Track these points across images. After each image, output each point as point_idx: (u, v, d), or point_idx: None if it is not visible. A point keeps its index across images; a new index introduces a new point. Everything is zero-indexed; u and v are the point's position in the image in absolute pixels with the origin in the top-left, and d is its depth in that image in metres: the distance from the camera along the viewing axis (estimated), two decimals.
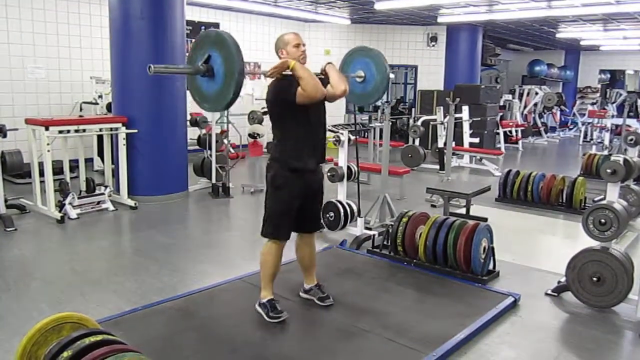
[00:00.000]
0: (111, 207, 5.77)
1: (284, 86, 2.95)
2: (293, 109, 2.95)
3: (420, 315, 3.33)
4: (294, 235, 3.27)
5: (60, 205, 5.43)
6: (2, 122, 5.30)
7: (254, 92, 9.80)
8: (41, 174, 5.46)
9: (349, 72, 3.48)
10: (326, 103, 3.16)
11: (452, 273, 3.94)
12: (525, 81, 16.67)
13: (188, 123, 6.85)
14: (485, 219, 5.12)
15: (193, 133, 7.44)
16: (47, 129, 5.32)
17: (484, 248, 3.94)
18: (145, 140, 6.04)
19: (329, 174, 4.85)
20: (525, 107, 14.36)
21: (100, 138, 7.24)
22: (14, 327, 3.06)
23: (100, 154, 7.29)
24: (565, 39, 13.59)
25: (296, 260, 3.45)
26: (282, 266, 3.59)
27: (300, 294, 3.47)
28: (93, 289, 3.69)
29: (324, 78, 3.11)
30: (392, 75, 3.97)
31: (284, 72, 2.94)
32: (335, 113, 11.61)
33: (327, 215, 4.74)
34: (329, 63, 3.15)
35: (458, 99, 8.31)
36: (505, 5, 9.05)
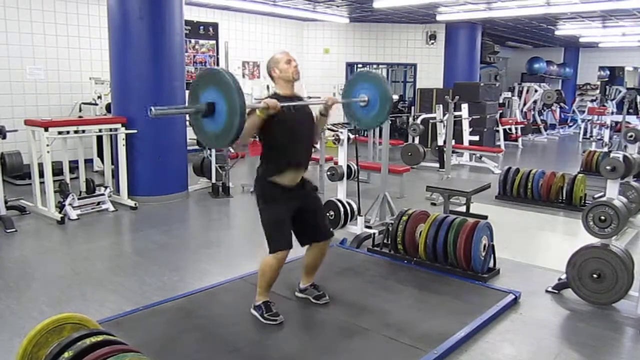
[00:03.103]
0: (111, 208, 5.77)
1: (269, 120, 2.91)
2: (272, 127, 2.92)
3: (420, 313, 3.33)
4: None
5: (61, 206, 5.43)
6: (2, 124, 5.29)
7: (253, 92, 9.82)
8: (41, 175, 5.46)
9: (352, 96, 3.50)
10: (312, 117, 3.21)
11: (452, 271, 3.95)
12: (524, 78, 16.66)
13: (187, 123, 6.85)
14: (486, 217, 5.15)
15: (193, 133, 7.43)
16: (46, 130, 5.32)
17: (484, 246, 3.94)
18: (145, 140, 6.04)
19: (328, 172, 4.85)
20: (524, 104, 14.35)
21: (99, 139, 7.24)
22: (14, 328, 3.07)
23: (100, 154, 7.29)
24: (564, 36, 13.58)
25: (297, 260, 3.45)
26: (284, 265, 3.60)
27: (296, 293, 3.47)
28: (94, 290, 3.70)
29: (323, 116, 3.28)
30: (395, 97, 3.98)
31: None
32: (335, 112, 11.57)
33: (328, 214, 4.74)
34: (333, 103, 3.29)
35: (457, 97, 8.31)
36: (504, 3, 9.04)
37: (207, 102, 2.56)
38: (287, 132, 2.98)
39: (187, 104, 2.71)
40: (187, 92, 6.83)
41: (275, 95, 3.05)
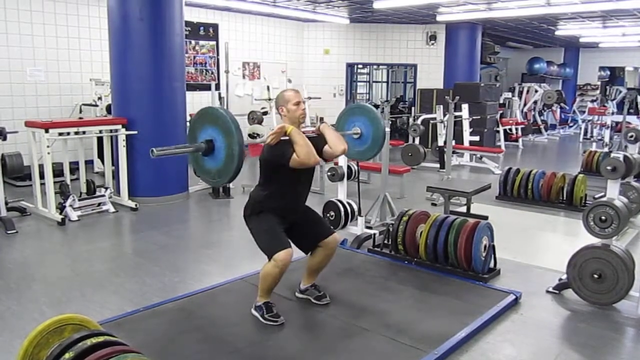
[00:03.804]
0: (112, 209, 5.77)
1: (279, 149, 2.96)
2: (285, 171, 3.00)
3: (421, 313, 3.33)
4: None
5: (61, 207, 5.43)
6: (2, 125, 5.30)
7: (254, 93, 9.82)
8: (41, 176, 5.47)
9: (345, 129, 3.52)
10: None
11: (453, 271, 3.94)
12: (524, 79, 16.66)
13: (188, 124, 6.86)
14: (486, 217, 5.14)
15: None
16: (47, 131, 5.32)
17: (485, 246, 3.94)
18: (145, 141, 6.03)
19: (329, 173, 4.85)
20: (525, 104, 14.35)
21: (100, 140, 7.24)
22: (15, 329, 3.07)
23: (101, 155, 7.29)
24: (565, 36, 13.58)
25: (298, 260, 3.45)
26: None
27: (297, 294, 3.47)
28: (94, 291, 3.70)
29: (317, 137, 3.19)
30: (387, 130, 4.04)
31: (281, 137, 2.96)
32: (335, 113, 11.60)
33: (328, 215, 4.74)
34: (322, 123, 3.27)
35: (458, 98, 8.31)
36: (504, 3, 9.04)
37: (206, 139, 2.65)
38: (295, 175, 3.04)
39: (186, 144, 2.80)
40: (186, 93, 6.83)
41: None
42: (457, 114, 9.10)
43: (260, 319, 3.13)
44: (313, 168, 3.19)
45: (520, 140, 12.41)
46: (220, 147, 2.60)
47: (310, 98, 9.38)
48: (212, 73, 10.19)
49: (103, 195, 5.81)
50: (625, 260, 3.38)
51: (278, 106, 3.17)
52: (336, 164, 4.91)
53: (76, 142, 6.51)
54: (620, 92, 16.83)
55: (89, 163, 7.69)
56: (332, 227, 3.39)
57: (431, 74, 12.53)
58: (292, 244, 3.08)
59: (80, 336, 2.15)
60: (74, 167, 6.52)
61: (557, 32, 12.87)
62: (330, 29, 12.14)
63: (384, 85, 16.15)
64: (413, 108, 12.11)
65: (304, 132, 3.08)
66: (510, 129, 12.28)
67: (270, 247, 3.00)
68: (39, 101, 7.85)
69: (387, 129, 3.86)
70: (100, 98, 7.90)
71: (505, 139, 11.67)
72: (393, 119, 12.41)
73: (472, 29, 12.17)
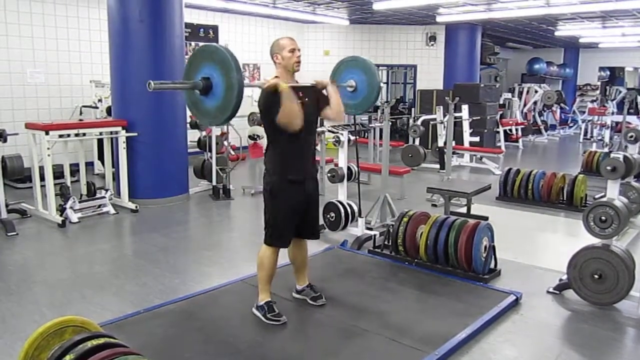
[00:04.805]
0: (112, 211, 5.78)
1: (273, 99, 2.89)
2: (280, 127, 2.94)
3: (421, 314, 3.34)
4: None
5: (61, 209, 5.43)
6: (3, 127, 5.31)
7: (253, 94, 9.81)
8: (42, 178, 5.47)
9: (340, 81, 3.48)
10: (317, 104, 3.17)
11: (453, 272, 3.94)
12: (524, 79, 16.67)
13: (188, 125, 6.86)
14: (486, 218, 5.14)
15: (193, 135, 7.45)
16: (47, 133, 5.32)
17: (485, 247, 3.94)
18: (146, 143, 6.05)
19: (329, 174, 4.85)
20: (525, 105, 14.36)
21: (100, 142, 7.24)
22: (16, 331, 3.07)
23: (101, 157, 7.29)
24: (564, 36, 13.58)
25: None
26: (283, 267, 3.61)
27: (294, 294, 3.48)
28: (95, 292, 3.70)
29: (315, 90, 3.13)
30: (382, 85, 4.00)
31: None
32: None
33: (328, 216, 4.74)
34: (333, 85, 3.19)
35: (457, 98, 8.30)
36: (504, 4, 9.05)
37: (203, 77, 2.59)
38: (293, 134, 2.97)
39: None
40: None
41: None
42: (457, 114, 9.11)
43: (263, 318, 3.13)
44: (315, 119, 3.16)
45: (520, 140, 12.42)
46: (218, 82, 2.53)
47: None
48: None
49: (103, 197, 5.81)
50: (626, 260, 3.38)
51: (273, 54, 3.07)
52: (336, 165, 4.91)
53: (76, 144, 6.51)
54: (620, 92, 16.82)
55: (89, 165, 7.69)
56: (319, 233, 3.41)
57: (431, 75, 12.54)
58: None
59: (80, 338, 2.15)
60: (75, 169, 6.52)
61: (556, 33, 12.88)
62: (330, 30, 12.15)
63: (384, 86, 16.16)
64: (413, 109, 12.12)
65: (302, 84, 3.04)
66: (510, 130, 12.28)
67: (278, 239, 3.11)
68: (39, 103, 7.85)
69: (382, 84, 3.82)
70: (100, 100, 7.91)
71: (505, 140, 11.67)
72: (393, 120, 12.42)
73: (471, 29, 12.19)
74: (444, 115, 8.86)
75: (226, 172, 6.77)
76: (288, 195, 3.05)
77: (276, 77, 3.05)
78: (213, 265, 4.37)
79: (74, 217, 5.42)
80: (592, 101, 15.81)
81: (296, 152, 3.07)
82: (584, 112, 15.17)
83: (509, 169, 6.73)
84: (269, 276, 3.16)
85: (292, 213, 3.09)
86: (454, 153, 8.76)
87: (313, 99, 3.13)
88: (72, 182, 6.06)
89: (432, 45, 12.47)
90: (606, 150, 9.48)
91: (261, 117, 3.07)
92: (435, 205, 6.25)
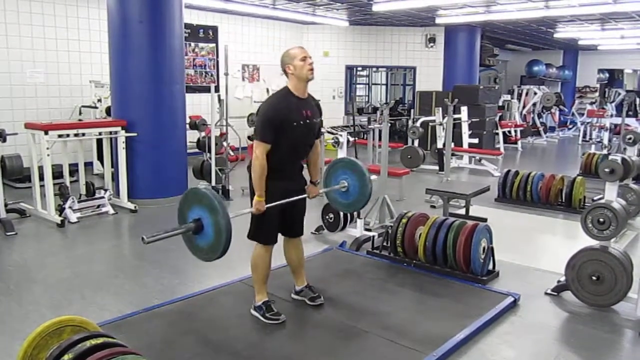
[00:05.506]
0: (111, 211, 5.78)
1: (282, 109, 2.95)
2: (280, 131, 2.96)
3: (420, 315, 3.34)
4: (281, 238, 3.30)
5: (61, 209, 5.43)
6: (2, 127, 5.31)
7: (253, 95, 9.84)
8: (41, 178, 5.47)
9: (333, 184, 3.52)
10: (319, 122, 3.23)
11: (451, 273, 3.95)
12: (523, 81, 16.69)
13: (187, 126, 6.87)
14: (485, 219, 5.14)
15: (192, 136, 7.45)
16: (46, 133, 5.32)
17: (484, 248, 3.94)
18: (145, 143, 6.05)
19: None
20: (524, 107, 14.37)
21: (99, 142, 7.24)
22: (15, 331, 3.07)
23: (100, 157, 7.30)
24: (563, 38, 13.61)
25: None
26: (280, 269, 3.63)
27: (292, 295, 3.48)
28: (93, 292, 3.70)
29: (317, 104, 3.25)
30: (374, 177, 4.05)
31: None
32: (334, 115, 11.63)
33: (327, 217, 4.75)
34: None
35: (457, 100, 8.33)
36: (503, 6, 9.06)
37: (194, 218, 2.72)
38: (292, 147, 3.05)
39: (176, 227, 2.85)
40: (186, 95, 6.81)
41: (287, 94, 3.03)
42: (456, 116, 9.12)
43: (261, 318, 3.14)
44: (312, 134, 3.18)
45: (519, 142, 12.43)
46: (208, 224, 2.66)
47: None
48: (212, 75, 10.20)
49: (102, 197, 5.81)
50: (624, 262, 3.39)
51: (284, 65, 3.03)
52: None
53: (76, 144, 6.51)
54: (619, 94, 16.83)
55: (89, 165, 7.69)
56: (303, 229, 3.42)
57: (430, 77, 12.55)
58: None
59: (79, 338, 2.15)
60: (74, 169, 6.52)
61: (555, 35, 12.90)
62: (329, 31, 12.16)
63: (383, 87, 16.18)
64: (412, 110, 12.13)
65: (310, 100, 3.13)
66: (509, 132, 12.29)
67: (262, 235, 3.16)
68: (39, 103, 7.85)
69: (373, 177, 3.85)
70: (99, 100, 7.91)
71: (504, 141, 11.68)
72: (392, 121, 12.43)
73: (471, 31, 12.21)
74: (443, 117, 8.87)
75: (225, 173, 6.77)
76: (270, 193, 3.03)
77: (288, 91, 3.04)
78: (211, 265, 4.33)
79: (73, 217, 5.42)
80: (591, 103, 15.84)
81: (287, 159, 3.10)
82: (582, 114, 15.19)
83: (508, 171, 6.74)
84: (264, 277, 3.17)
85: (273, 209, 3.07)
86: (453, 154, 8.77)
87: (317, 115, 3.18)
88: (71, 182, 6.06)
89: (432, 46, 12.48)
90: (605, 152, 9.50)
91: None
92: (434, 207, 6.25)
